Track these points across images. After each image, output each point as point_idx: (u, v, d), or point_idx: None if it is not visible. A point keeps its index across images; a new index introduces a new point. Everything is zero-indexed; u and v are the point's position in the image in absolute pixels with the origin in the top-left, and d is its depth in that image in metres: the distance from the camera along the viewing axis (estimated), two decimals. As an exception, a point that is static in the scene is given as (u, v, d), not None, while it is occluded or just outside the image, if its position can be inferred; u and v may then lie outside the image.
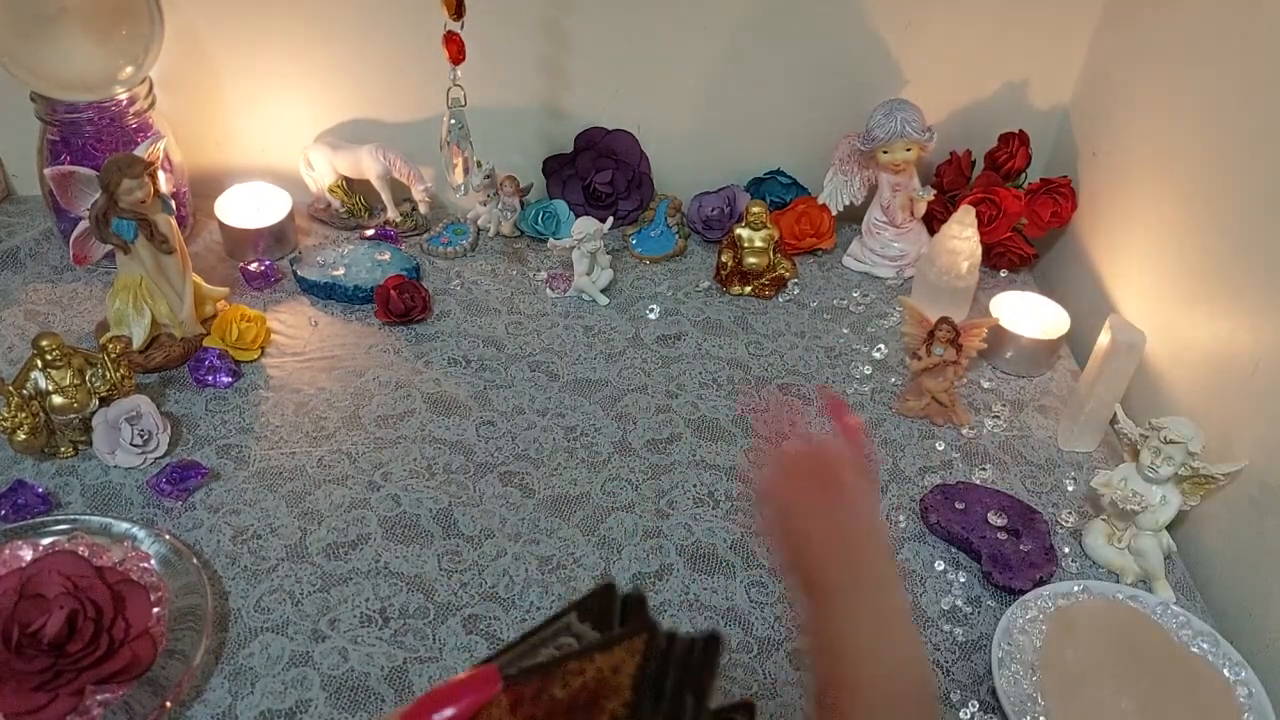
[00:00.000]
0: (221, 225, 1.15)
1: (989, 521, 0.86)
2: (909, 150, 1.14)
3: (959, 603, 0.82)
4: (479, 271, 1.18)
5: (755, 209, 1.13)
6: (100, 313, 1.05)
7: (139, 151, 0.93)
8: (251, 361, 1.01)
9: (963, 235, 1.07)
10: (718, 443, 0.95)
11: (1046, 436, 1.00)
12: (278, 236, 1.16)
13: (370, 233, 1.21)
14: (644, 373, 1.04)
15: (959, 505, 0.87)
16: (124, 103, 1.06)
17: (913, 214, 1.20)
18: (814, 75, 1.21)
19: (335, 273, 1.11)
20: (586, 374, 1.03)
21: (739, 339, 1.09)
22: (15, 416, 0.84)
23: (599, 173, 1.23)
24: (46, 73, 1.01)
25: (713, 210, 1.23)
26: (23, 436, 0.85)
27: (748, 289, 1.16)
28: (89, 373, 0.88)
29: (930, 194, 1.17)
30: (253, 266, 1.11)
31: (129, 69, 1.05)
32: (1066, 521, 0.90)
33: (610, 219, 1.13)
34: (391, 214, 1.22)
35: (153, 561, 0.77)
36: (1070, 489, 0.94)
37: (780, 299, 1.17)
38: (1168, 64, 1.03)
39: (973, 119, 1.22)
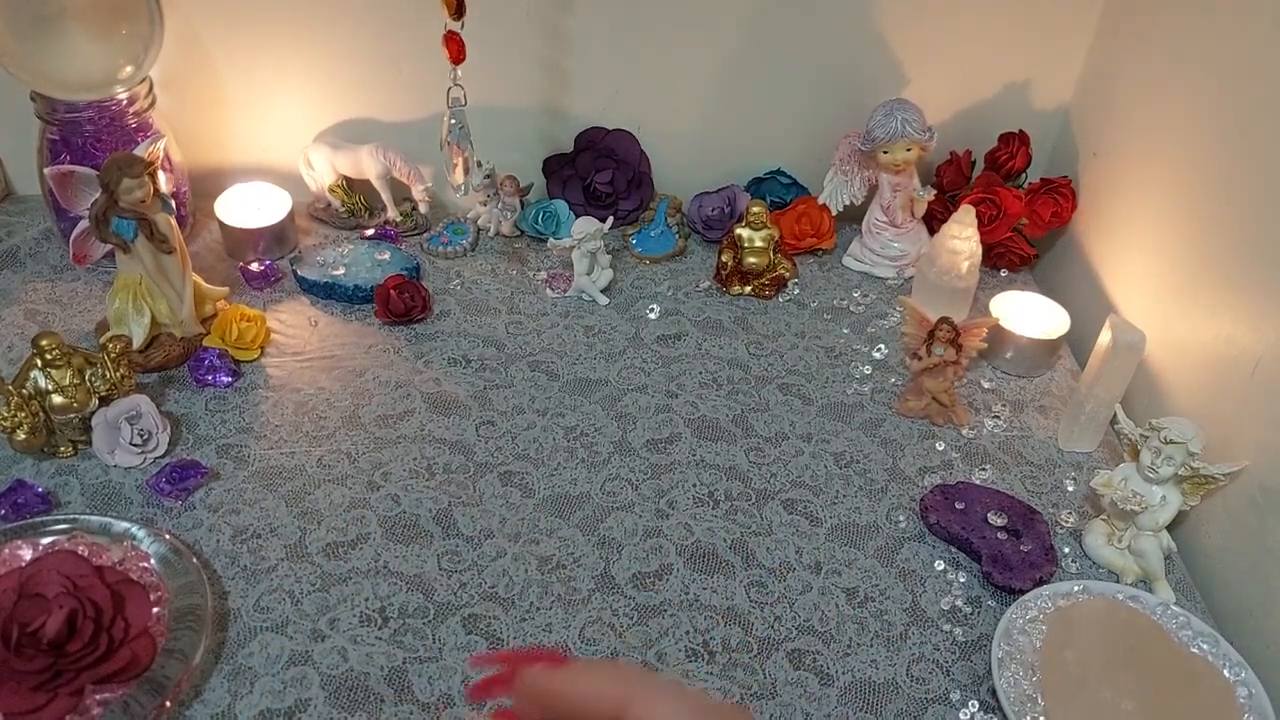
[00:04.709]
0: (221, 225, 1.15)
1: (989, 522, 0.86)
2: (909, 150, 1.14)
3: (959, 603, 0.82)
4: (479, 271, 1.18)
5: (755, 209, 1.13)
6: (100, 312, 1.05)
7: (139, 151, 0.93)
8: (251, 361, 1.01)
9: (963, 235, 1.07)
10: (718, 443, 0.95)
11: (1046, 437, 0.99)
12: (278, 236, 1.16)
13: (370, 232, 1.21)
14: (644, 373, 1.04)
15: (959, 505, 0.87)
16: (124, 102, 1.06)
17: (913, 214, 1.20)
18: (814, 75, 1.21)
19: (335, 272, 1.11)
20: (586, 374, 1.03)
21: (739, 339, 1.09)
22: (15, 416, 0.84)
23: (599, 173, 1.23)
24: (46, 73, 1.01)
25: (713, 210, 1.23)
26: (22, 436, 0.85)
27: (748, 289, 1.16)
28: (89, 372, 0.87)
29: (930, 194, 1.17)
30: (253, 266, 1.11)
31: (129, 69, 1.05)
32: (1067, 522, 0.90)
33: (610, 219, 1.13)
34: (391, 214, 1.22)
35: (152, 561, 0.77)
36: (1070, 489, 0.94)
37: (780, 299, 1.17)
38: (1168, 64, 1.03)
39: (973, 119, 1.22)
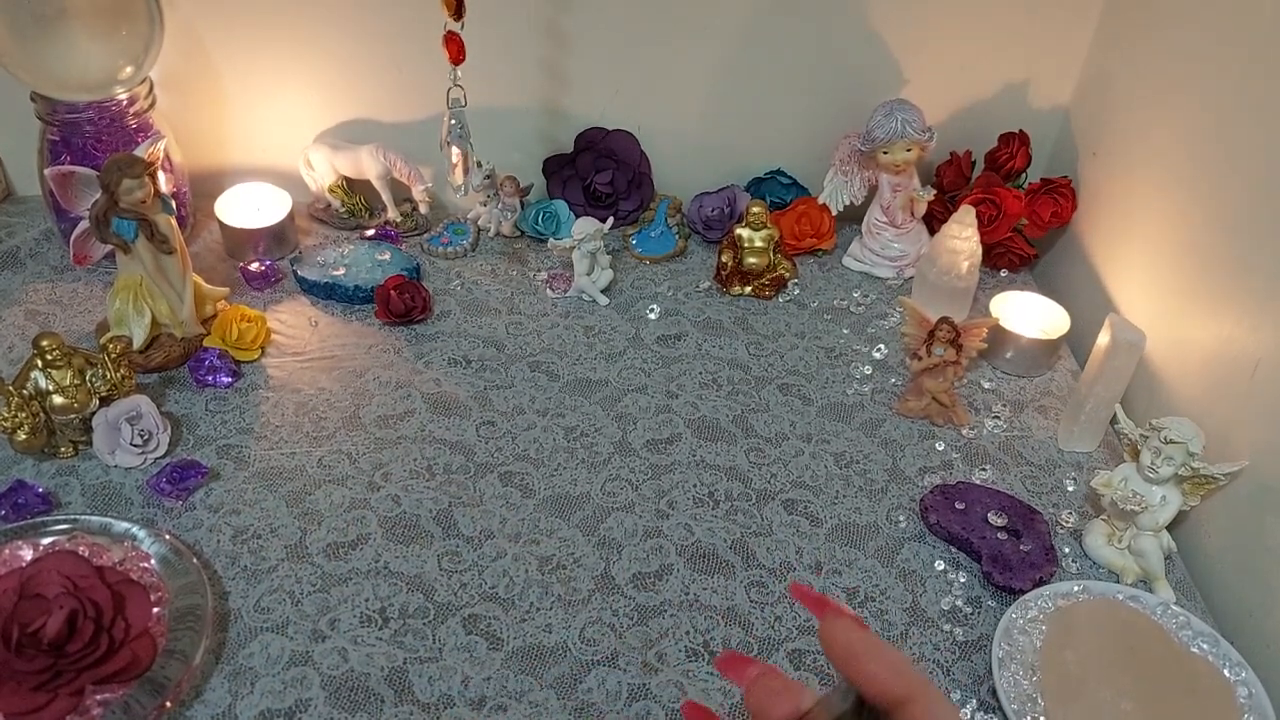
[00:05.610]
0: (221, 225, 1.15)
1: (989, 522, 0.86)
2: (909, 151, 1.14)
3: (959, 603, 0.82)
4: (479, 272, 1.18)
5: (755, 209, 1.13)
6: (100, 313, 1.05)
7: (139, 151, 0.93)
8: (251, 361, 1.01)
9: (963, 235, 1.07)
10: (718, 443, 0.95)
11: (1047, 437, 1.00)
12: (278, 236, 1.16)
13: (370, 233, 1.21)
14: (644, 373, 1.04)
15: (959, 505, 0.87)
16: (124, 103, 1.06)
17: (913, 214, 1.20)
18: (814, 75, 1.21)
19: (335, 273, 1.11)
20: (586, 374, 1.03)
21: (739, 339, 1.09)
22: (15, 416, 0.84)
23: (599, 173, 1.23)
24: (46, 73, 1.01)
25: (713, 210, 1.23)
26: (23, 436, 0.85)
27: (748, 289, 1.16)
28: (89, 373, 0.88)
29: (930, 194, 1.17)
30: (253, 266, 1.12)
31: (129, 69, 1.05)
32: (1067, 522, 0.90)
33: (610, 219, 1.13)
34: (391, 214, 1.22)
35: (153, 561, 0.77)
36: (1070, 489, 0.94)
37: (780, 299, 1.17)
38: (1168, 64, 1.03)
39: (973, 119, 1.22)
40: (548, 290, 1.15)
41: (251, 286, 1.12)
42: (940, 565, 0.85)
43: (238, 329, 1.01)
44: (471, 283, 1.16)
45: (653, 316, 1.12)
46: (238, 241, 1.15)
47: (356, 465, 0.90)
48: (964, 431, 0.99)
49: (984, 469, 0.95)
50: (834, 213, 1.23)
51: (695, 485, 0.91)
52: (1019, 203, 1.16)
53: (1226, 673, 0.75)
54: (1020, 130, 1.19)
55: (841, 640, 0.37)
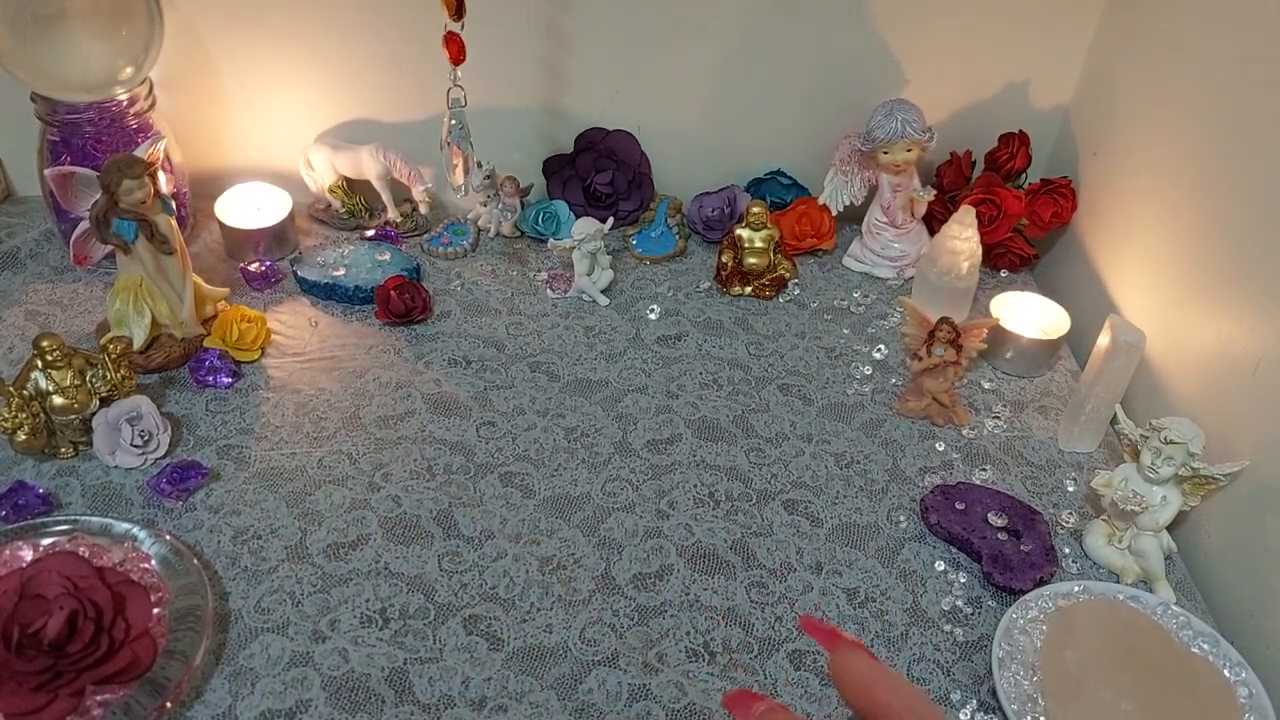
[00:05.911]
0: (221, 225, 1.15)
1: (989, 522, 0.86)
2: (909, 151, 1.14)
3: (959, 603, 0.82)
4: (479, 272, 1.18)
5: (755, 209, 1.13)
6: (101, 313, 1.05)
7: (139, 152, 0.93)
8: (252, 362, 1.01)
9: (963, 235, 1.07)
10: (718, 443, 0.95)
11: (1047, 437, 1.00)
12: (278, 237, 1.16)
13: (370, 233, 1.21)
14: (644, 373, 1.04)
15: (959, 506, 0.87)
16: (124, 103, 1.06)
17: (913, 214, 1.20)
18: (814, 75, 1.21)
19: (335, 273, 1.11)
20: (587, 374, 1.03)
21: (739, 339, 1.09)
22: (16, 417, 0.84)
23: (599, 173, 1.23)
24: (46, 73, 1.01)
25: (713, 211, 1.23)
26: (23, 437, 0.85)
27: (748, 289, 1.16)
28: (89, 373, 0.88)
29: (931, 194, 1.17)
30: (253, 267, 1.12)
31: (129, 69, 1.05)
32: (1067, 522, 0.90)
33: (610, 219, 1.13)
34: (391, 214, 1.22)
35: (153, 562, 0.77)
36: (1071, 489, 0.94)
37: (780, 299, 1.17)
38: (1169, 64, 1.03)
39: (973, 119, 1.22)
40: (548, 290, 1.15)
41: (251, 287, 1.12)
42: (940, 565, 0.85)
43: (238, 329, 1.01)
44: (471, 283, 1.16)
45: (653, 317, 1.12)
46: (238, 242, 1.15)
47: (357, 466, 0.90)
48: (964, 432, 0.99)
49: (984, 469, 0.95)
50: (834, 213, 1.23)
51: (695, 485, 0.91)
52: (1019, 203, 1.16)
53: (1227, 673, 0.75)
54: (1020, 130, 1.19)
55: (854, 673, 0.36)
